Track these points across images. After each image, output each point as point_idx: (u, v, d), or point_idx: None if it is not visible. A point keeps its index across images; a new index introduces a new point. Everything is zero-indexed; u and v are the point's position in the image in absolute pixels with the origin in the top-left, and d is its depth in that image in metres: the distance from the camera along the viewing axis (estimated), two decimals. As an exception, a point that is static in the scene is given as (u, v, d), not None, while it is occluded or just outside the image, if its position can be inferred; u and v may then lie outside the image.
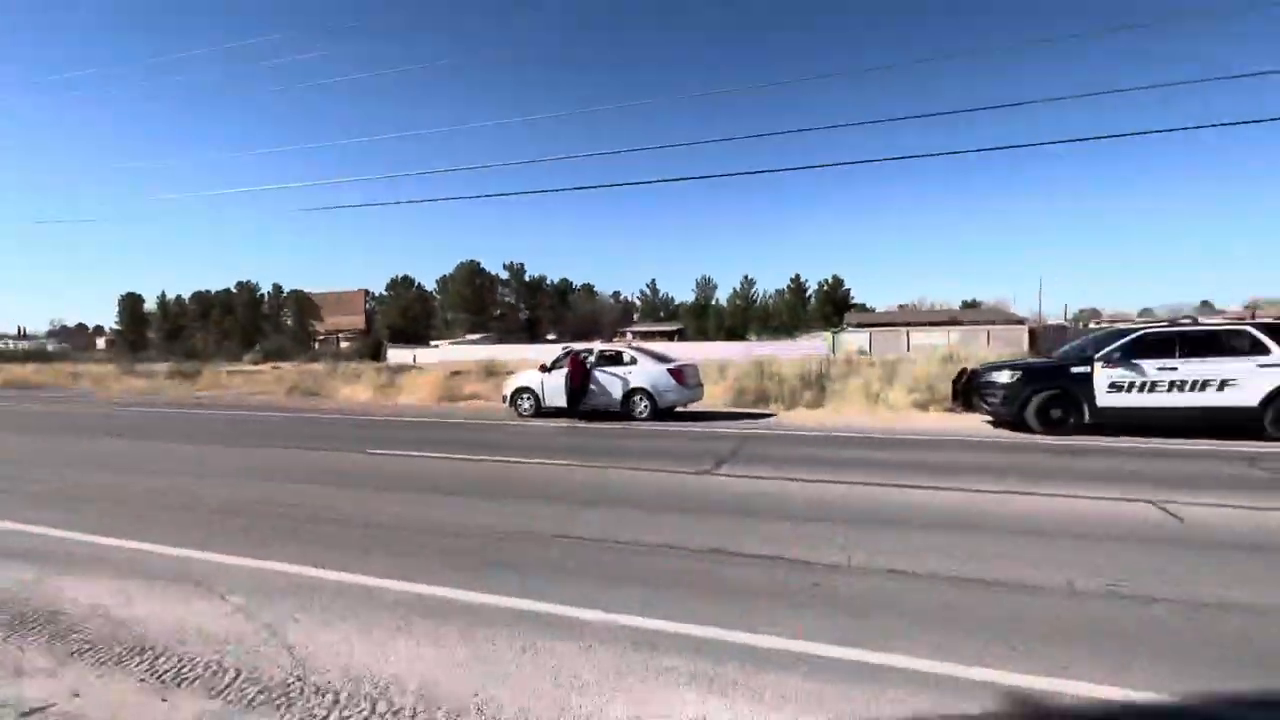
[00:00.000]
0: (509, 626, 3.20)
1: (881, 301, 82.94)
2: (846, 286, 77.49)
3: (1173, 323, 9.92)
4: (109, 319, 77.78)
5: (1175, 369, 8.86)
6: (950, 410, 11.91)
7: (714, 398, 14.42)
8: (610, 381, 11.79)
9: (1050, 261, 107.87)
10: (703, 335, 71.97)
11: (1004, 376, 9.86)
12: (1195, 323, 9.95)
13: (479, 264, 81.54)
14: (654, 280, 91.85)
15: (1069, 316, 62.79)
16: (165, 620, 3.37)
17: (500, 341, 63.62)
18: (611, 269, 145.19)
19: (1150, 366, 8.97)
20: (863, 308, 74.52)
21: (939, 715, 2.37)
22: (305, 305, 71.36)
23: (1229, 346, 8.85)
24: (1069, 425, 9.23)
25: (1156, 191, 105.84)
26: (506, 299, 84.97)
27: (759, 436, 9.77)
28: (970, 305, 70.94)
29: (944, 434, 9.88)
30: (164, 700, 2.64)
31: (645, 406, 11.45)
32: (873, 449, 8.58)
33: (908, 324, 50.50)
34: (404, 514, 5.42)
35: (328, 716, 2.50)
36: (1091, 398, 9.16)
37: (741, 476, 6.81)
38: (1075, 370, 9.36)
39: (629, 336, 71.71)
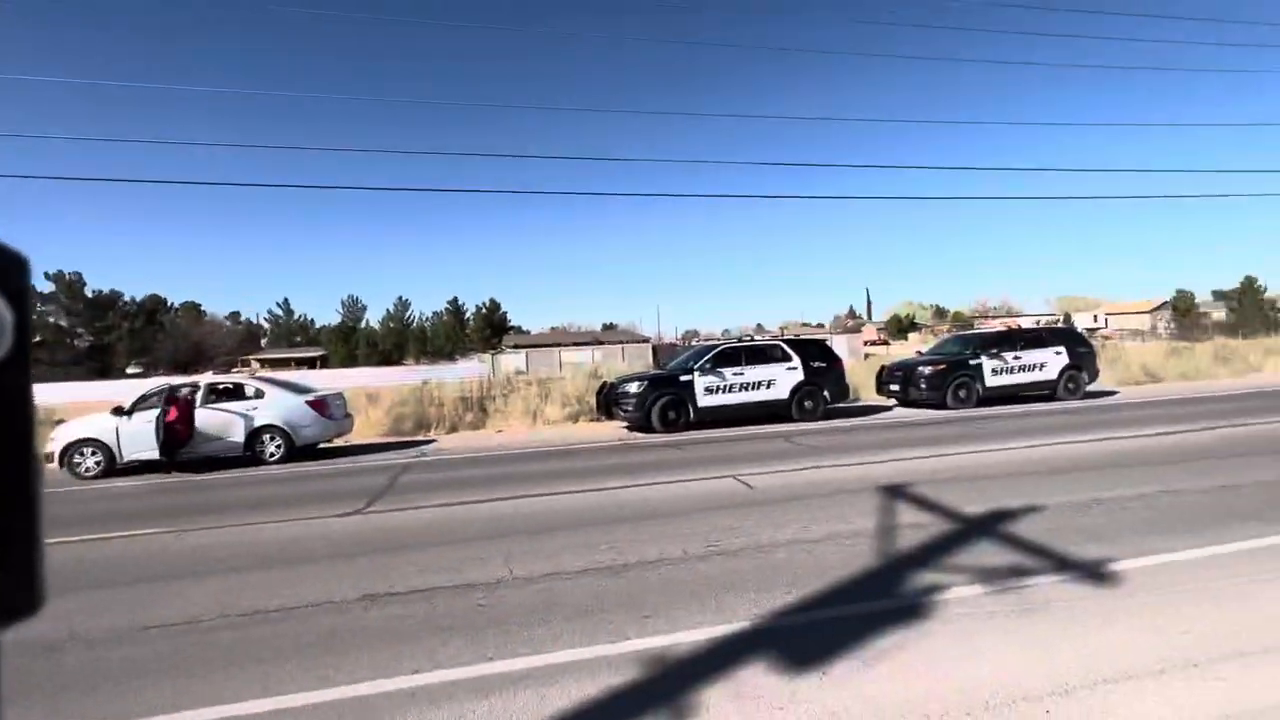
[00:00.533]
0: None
1: (536, 324, 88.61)
2: (504, 310, 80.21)
3: (739, 339, 13.23)
4: None
5: (742, 374, 11.81)
6: (596, 420, 13.39)
7: (369, 428, 13.14)
8: (228, 421, 9.63)
9: (666, 290, 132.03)
10: (352, 361, 65.07)
11: (634, 387, 11.60)
12: (752, 339, 13.48)
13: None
14: (287, 299, 79.25)
15: (679, 335, 77.73)
16: None
17: (44, 380, 45.77)
18: (230, 285, 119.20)
19: (729, 373, 11.75)
20: (519, 330, 78.17)
21: (597, 693, 2.62)
22: None
23: (771, 356, 12.22)
24: (681, 423, 11.39)
25: (724, 239, 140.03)
26: (53, 320, 61.69)
27: (419, 464, 9.28)
28: (609, 327, 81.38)
29: (591, 441, 11.05)
30: None
31: (278, 446, 9.69)
32: (530, 462, 9.04)
33: (559, 344, 55.02)
34: None
35: None
36: (694, 400, 11.51)
37: (397, 510, 6.35)
38: (682, 379, 11.63)
39: (255, 366, 59.73)
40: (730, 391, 11.74)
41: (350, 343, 72.79)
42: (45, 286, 60.55)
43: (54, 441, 9.28)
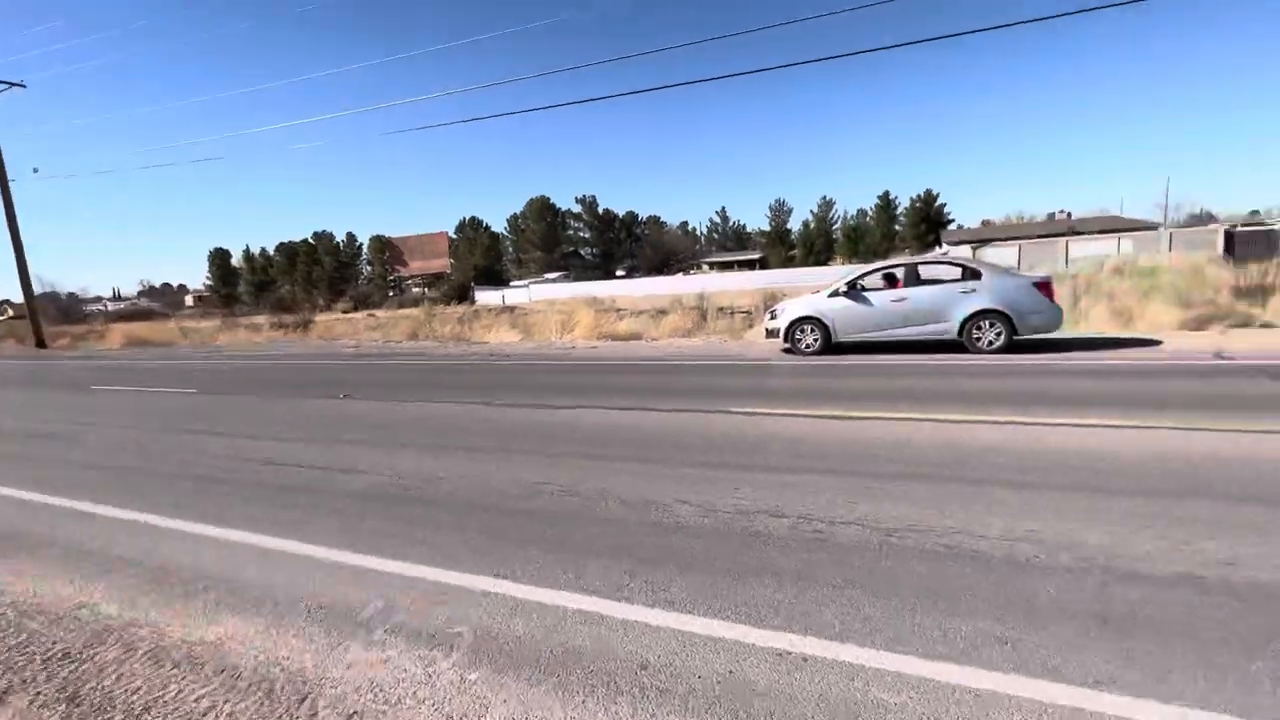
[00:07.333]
0: None
1: (968, 217, 76.10)
2: (941, 201, 70.60)
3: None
4: (195, 278, 78.77)
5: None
6: None
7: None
8: (946, 301, 9.03)
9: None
10: (789, 263, 67.55)
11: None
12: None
13: (549, 199, 78.22)
14: (724, 208, 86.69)
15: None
16: None
17: (580, 279, 60.94)
18: (678, 197, 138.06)
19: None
20: (954, 224, 68.01)
21: None
22: (388, 249, 68.03)
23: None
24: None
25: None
26: (580, 234, 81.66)
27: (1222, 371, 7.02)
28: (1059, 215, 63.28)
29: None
30: None
31: (997, 334, 8.73)
32: None
33: (1059, 235, 44.88)
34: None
35: None
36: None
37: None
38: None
39: (704, 268, 67.57)
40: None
41: (782, 245, 75.65)
42: (574, 208, 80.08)
43: (779, 318, 10.17)
